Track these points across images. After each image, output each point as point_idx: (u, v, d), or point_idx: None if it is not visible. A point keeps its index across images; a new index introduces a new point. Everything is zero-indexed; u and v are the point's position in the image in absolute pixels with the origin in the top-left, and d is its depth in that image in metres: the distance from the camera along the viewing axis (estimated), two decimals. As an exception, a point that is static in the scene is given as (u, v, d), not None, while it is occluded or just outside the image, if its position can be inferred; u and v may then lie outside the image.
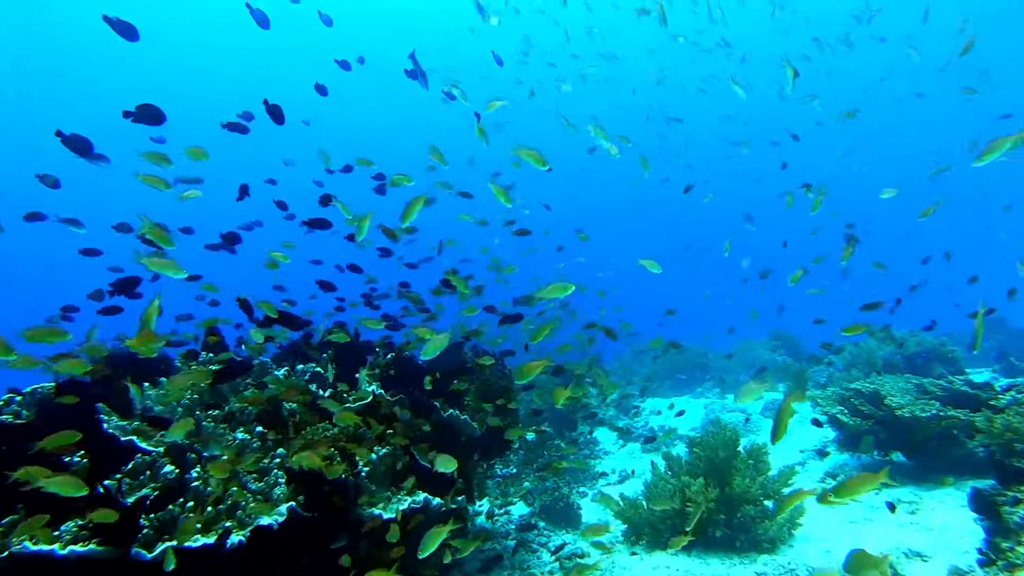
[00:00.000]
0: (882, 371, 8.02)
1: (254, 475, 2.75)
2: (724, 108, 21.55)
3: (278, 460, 2.89)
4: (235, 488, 2.53)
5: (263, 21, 4.81)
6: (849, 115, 8.74)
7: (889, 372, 7.52)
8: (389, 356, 4.09)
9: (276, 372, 3.94)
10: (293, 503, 2.54)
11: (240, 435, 2.97)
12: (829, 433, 6.40)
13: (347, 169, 5.27)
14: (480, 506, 6.25)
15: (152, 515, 2.21)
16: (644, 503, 4.57)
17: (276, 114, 3.55)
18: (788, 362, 11.64)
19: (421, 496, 3.28)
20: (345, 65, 6.00)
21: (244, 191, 3.89)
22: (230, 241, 3.79)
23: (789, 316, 10.98)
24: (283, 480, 2.74)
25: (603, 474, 6.92)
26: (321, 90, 5.52)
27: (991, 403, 4.38)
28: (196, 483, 2.44)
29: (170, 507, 2.29)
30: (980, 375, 8.37)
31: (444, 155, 4.47)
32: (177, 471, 2.51)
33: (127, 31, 3.76)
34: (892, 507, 3.63)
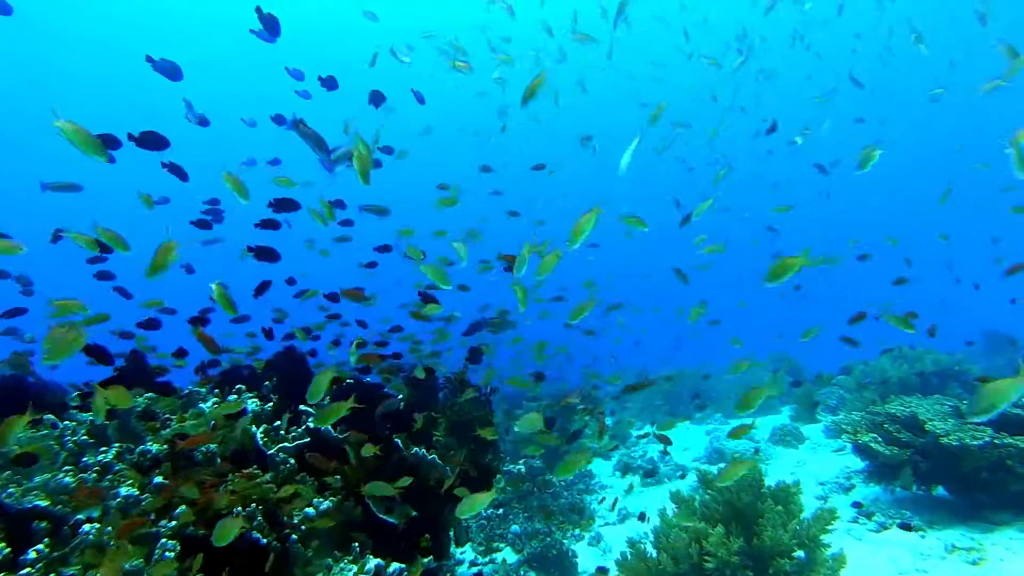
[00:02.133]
0: (898, 392, 7.40)
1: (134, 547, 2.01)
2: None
3: (173, 524, 2.16)
4: (94, 570, 1.80)
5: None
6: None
7: (905, 393, 6.90)
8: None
9: (202, 405, 3.22)
10: (176, 592, 1.80)
11: (125, 491, 2.23)
12: (852, 462, 5.72)
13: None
14: (462, 553, 5.48)
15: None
16: (653, 553, 3.82)
17: (148, 140, 3.05)
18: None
19: (372, 563, 2.54)
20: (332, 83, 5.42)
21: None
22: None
23: (788, 337, 10.36)
24: (173, 553, 2.00)
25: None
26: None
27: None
28: (28, 570, 1.70)
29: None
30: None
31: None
32: (8, 550, 1.77)
33: (171, 71, 3.66)
34: None
